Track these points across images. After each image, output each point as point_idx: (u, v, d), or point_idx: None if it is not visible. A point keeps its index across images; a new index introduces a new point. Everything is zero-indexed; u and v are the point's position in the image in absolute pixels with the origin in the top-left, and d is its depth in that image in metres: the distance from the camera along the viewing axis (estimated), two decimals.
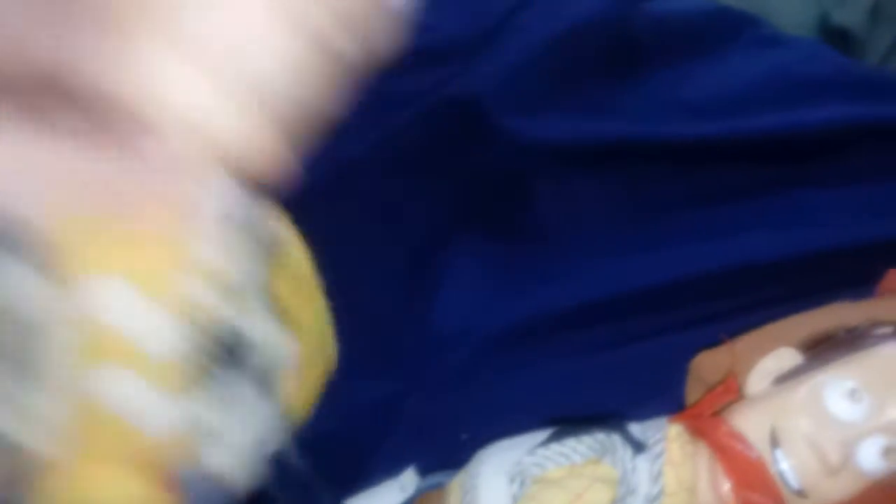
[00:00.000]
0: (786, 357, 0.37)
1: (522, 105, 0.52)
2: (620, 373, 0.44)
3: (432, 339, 0.47)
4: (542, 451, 0.35)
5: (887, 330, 0.37)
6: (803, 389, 0.35)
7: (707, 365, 0.40)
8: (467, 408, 0.44)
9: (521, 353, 0.46)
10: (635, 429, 0.36)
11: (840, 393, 0.34)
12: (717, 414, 0.36)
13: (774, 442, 0.34)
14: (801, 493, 0.34)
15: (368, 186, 0.51)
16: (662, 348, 0.44)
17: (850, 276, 0.45)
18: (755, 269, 0.47)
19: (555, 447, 0.35)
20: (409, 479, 0.41)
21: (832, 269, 0.46)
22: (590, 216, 0.50)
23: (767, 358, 0.37)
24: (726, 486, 0.34)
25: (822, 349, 0.37)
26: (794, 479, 0.33)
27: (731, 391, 0.37)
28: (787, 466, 0.34)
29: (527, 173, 0.51)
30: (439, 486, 0.38)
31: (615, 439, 0.34)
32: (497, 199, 0.51)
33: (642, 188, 0.50)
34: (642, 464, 0.34)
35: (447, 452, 0.40)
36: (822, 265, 0.47)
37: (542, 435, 0.36)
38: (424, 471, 0.42)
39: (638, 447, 0.34)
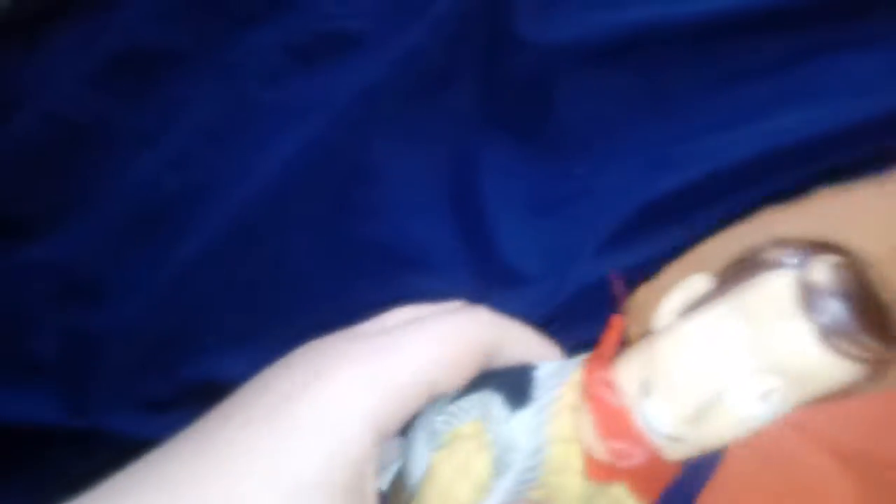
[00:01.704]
0: (695, 285, 0.33)
1: (534, 2, 0.52)
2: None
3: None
4: (448, 408, 0.34)
5: (786, 252, 0.32)
6: (677, 330, 0.32)
7: (642, 300, 0.37)
8: None
9: None
10: (544, 372, 0.34)
11: (709, 335, 0.31)
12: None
13: (645, 390, 0.32)
14: (674, 439, 0.32)
15: (392, 109, 0.52)
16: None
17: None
18: (793, 151, 0.46)
19: (455, 404, 0.34)
20: None
21: (875, 141, 0.45)
22: (610, 113, 0.50)
23: (678, 288, 0.34)
24: (595, 434, 0.32)
25: (728, 275, 0.33)
26: (661, 427, 0.31)
27: (614, 332, 0.34)
28: (652, 415, 0.31)
29: (546, 77, 0.50)
30: None
31: (494, 399, 0.33)
32: (521, 107, 0.51)
33: (661, 75, 0.49)
34: (523, 419, 0.32)
35: None
36: (866, 137, 0.45)
37: None
38: None
39: (519, 403, 0.32)
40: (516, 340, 0.31)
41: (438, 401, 0.34)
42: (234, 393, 0.27)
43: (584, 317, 0.44)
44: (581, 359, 0.34)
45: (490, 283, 0.47)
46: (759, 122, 0.48)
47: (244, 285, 0.52)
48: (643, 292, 0.37)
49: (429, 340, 0.28)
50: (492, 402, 0.32)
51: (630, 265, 0.45)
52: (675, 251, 0.46)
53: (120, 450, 0.47)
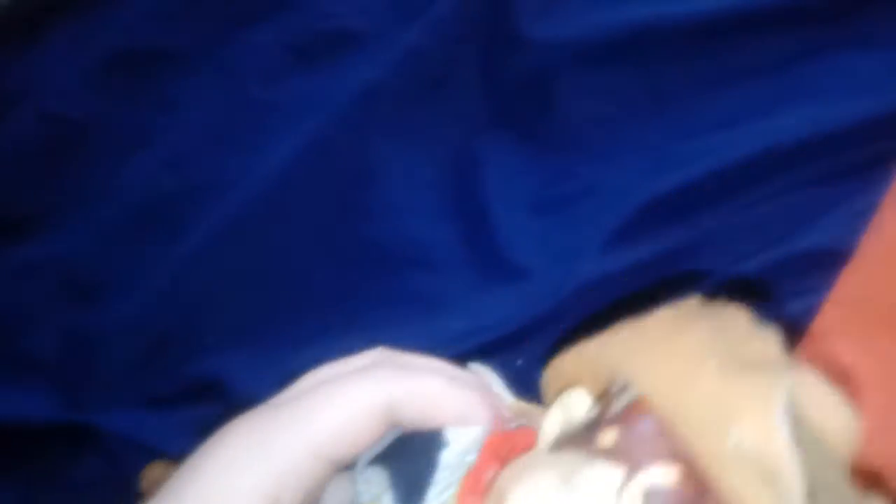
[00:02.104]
0: (573, 407, 0.28)
1: (534, 1, 0.52)
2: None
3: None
4: (362, 474, 0.30)
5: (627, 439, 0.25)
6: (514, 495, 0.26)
7: (555, 376, 0.30)
8: None
9: None
10: (449, 455, 0.29)
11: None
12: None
13: None
14: None
15: (393, 109, 0.52)
16: (702, 254, 0.44)
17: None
18: (795, 150, 0.45)
19: (366, 472, 0.30)
20: None
21: (882, 139, 0.45)
22: (611, 111, 0.50)
23: (557, 404, 0.28)
24: None
25: (591, 417, 0.27)
26: None
27: (487, 458, 0.29)
28: None
29: (547, 75, 0.51)
30: None
31: (387, 494, 0.29)
32: (522, 106, 0.51)
33: (661, 73, 0.50)
34: None
35: None
36: (867, 136, 0.45)
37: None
38: None
39: (409, 498, 0.29)
40: (421, 396, 0.29)
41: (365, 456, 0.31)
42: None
43: (586, 314, 0.44)
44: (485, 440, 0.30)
45: (492, 282, 0.47)
46: (760, 121, 0.48)
47: (243, 284, 0.52)
48: (552, 370, 0.30)
49: (322, 410, 0.28)
50: (385, 496, 0.29)
51: (633, 263, 0.45)
52: (677, 250, 0.46)
53: (112, 452, 0.47)
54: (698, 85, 0.50)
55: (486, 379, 0.33)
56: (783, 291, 0.42)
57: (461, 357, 0.44)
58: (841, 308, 0.43)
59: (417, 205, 0.51)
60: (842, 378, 0.43)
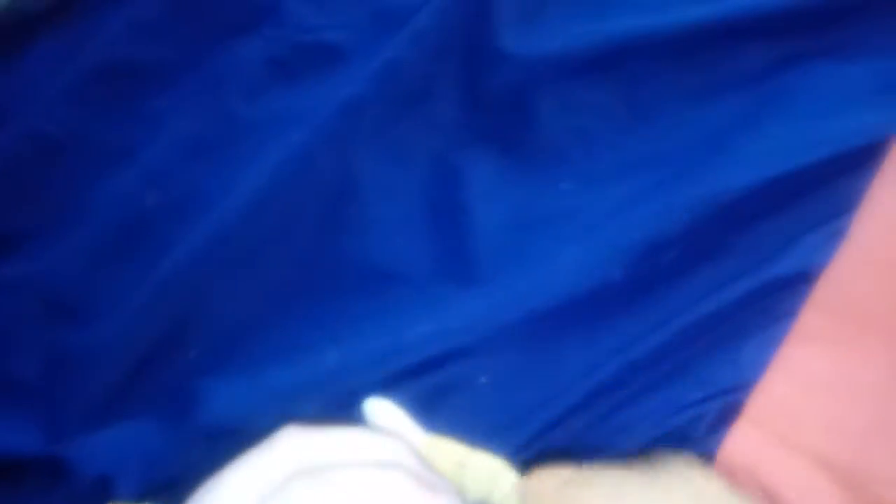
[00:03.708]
0: None
1: (515, 14, 0.52)
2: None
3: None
4: None
5: None
6: None
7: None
8: None
9: None
10: None
11: None
12: None
13: None
14: None
15: (374, 122, 0.52)
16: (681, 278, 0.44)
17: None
18: (780, 172, 0.45)
19: None
20: None
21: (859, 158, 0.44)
22: (592, 126, 0.50)
23: None
24: None
25: None
26: None
27: None
28: None
29: (528, 89, 0.51)
30: None
31: None
32: (503, 120, 0.51)
33: (642, 87, 0.49)
34: None
35: None
36: (849, 155, 0.45)
37: None
38: None
39: None
40: None
41: None
42: None
43: (555, 329, 0.44)
44: None
45: (466, 292, 0.47)
46: (739, 138, 0.48)
47: (226, 301, 0.52)
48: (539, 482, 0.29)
49: None
50: None
51: (605, 283, 0.45)
52: (653, 273, 0.46)
53: (78, 489, 0.47)
54: (680, 98, 0.50)
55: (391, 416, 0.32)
56: (763, 316, 0.42)
57: (426, 362, 0.45)
58: (820, 315, 0.43)
59: (398, 219, 0.51)
60: (825, 386, 0.43)
